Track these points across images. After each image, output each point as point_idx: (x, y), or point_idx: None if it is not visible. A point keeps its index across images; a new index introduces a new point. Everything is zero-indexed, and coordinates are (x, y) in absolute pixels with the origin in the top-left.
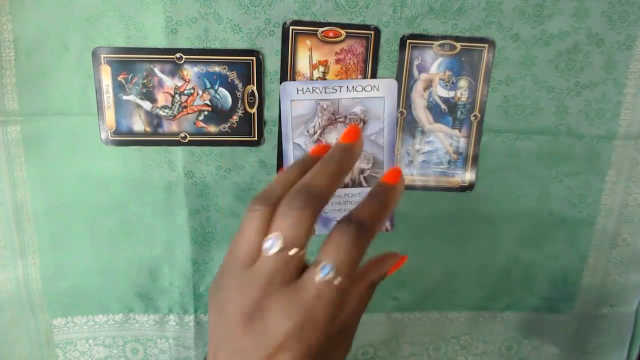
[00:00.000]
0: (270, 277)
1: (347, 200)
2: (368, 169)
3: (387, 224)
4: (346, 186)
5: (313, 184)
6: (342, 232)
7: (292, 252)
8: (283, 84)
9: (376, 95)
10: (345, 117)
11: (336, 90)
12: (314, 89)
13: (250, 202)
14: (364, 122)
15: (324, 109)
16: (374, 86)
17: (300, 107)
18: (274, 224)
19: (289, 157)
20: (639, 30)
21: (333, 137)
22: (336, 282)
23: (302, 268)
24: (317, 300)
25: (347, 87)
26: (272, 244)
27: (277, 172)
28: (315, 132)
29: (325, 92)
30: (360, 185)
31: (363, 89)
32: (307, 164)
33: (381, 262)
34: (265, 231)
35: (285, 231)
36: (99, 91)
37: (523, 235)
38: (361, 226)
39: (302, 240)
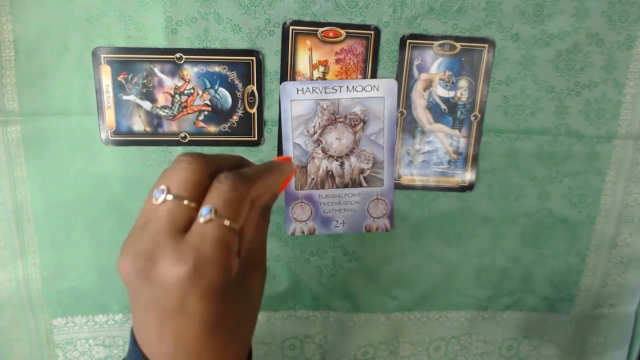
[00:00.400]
0: (158, 226)
1: (347, 200)
2: (368, 168)
3: (387, 223)
4: (346, 186)
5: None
6: (218, 182)
7: (169, 196)
8: (283, 84)
9: (376, 95)
10: (345, 117)
11: (336, 90)
12: (314, 89)
13: None
14: (364, 122)
15: (324, 109)
16: (374, 86)
17: (300, 107)
18: (161, 179)
19: (289, 156)
20: (639, 30)
21: (333, 137)
22: (216, 219)
23: (191, 222)
24: (204, 241)
25: (347, 87)
26: (159, 194)
27: None
28: (315, 132)
29: (325, 92)
30: (360, 185)
31: (363, 89)
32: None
33: (269, 183)
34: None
35: (170, 182)
36: (99, 91)
37: (523, 235)
38: (238, 174)
39: (186, 191)
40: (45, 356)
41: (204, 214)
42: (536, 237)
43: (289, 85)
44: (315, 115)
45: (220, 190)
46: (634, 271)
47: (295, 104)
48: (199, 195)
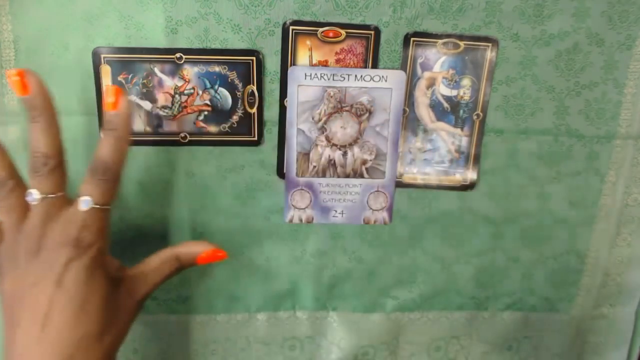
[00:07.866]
0: (41, 217)
1: (347, 190)
2: (371, 160)
3: (386, 217)
4: (347, 176)
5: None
6: (91, 175)
7: (41, 196)
8: (292, 67)
9: (384, 86)
10: (352, 106)
11: (344, 78)
12: (322, 75)
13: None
14: (370, 113)
15: (331, 96)
16: (382, 77)
17: (306, 93)
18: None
19: (292, 142)
20: (639, 30)
21: (337, 126)
22: (97, 206)
23: (66, 204)
24: (86, 219)
25: (355, 75)
26: (32, 197)
27: (277, 173)
28: (320, 119)
29: (332, 79)
30: (362, 176)
31: (371, 78)
32: None
33: (196, 247)
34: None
35: (40, 187)
36: (99, 91)
37: (523, 235)
38: (105, 167)
39: (54, 188)
40: None
41: (87, 204)
42: (536, 237)
43: (297, 69)
44: (321, 102)
45: (94, 184)
46: (634, 271)
47: (302, 90)
48: (62, 186)
